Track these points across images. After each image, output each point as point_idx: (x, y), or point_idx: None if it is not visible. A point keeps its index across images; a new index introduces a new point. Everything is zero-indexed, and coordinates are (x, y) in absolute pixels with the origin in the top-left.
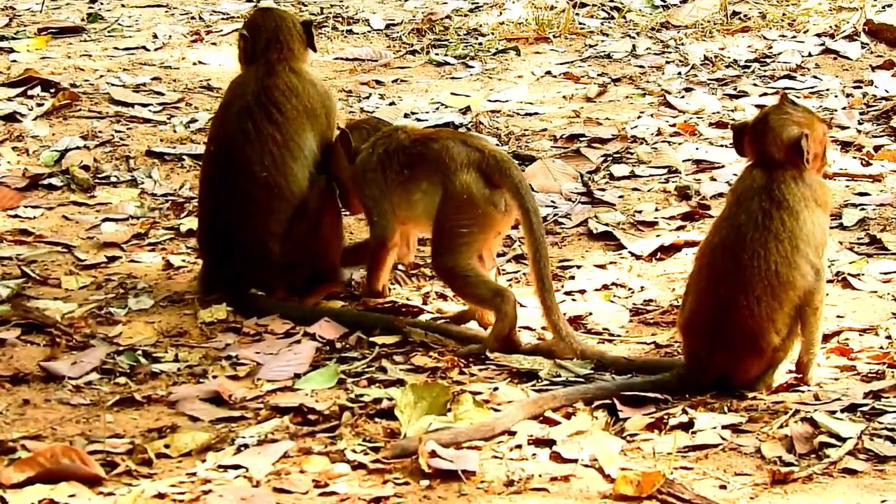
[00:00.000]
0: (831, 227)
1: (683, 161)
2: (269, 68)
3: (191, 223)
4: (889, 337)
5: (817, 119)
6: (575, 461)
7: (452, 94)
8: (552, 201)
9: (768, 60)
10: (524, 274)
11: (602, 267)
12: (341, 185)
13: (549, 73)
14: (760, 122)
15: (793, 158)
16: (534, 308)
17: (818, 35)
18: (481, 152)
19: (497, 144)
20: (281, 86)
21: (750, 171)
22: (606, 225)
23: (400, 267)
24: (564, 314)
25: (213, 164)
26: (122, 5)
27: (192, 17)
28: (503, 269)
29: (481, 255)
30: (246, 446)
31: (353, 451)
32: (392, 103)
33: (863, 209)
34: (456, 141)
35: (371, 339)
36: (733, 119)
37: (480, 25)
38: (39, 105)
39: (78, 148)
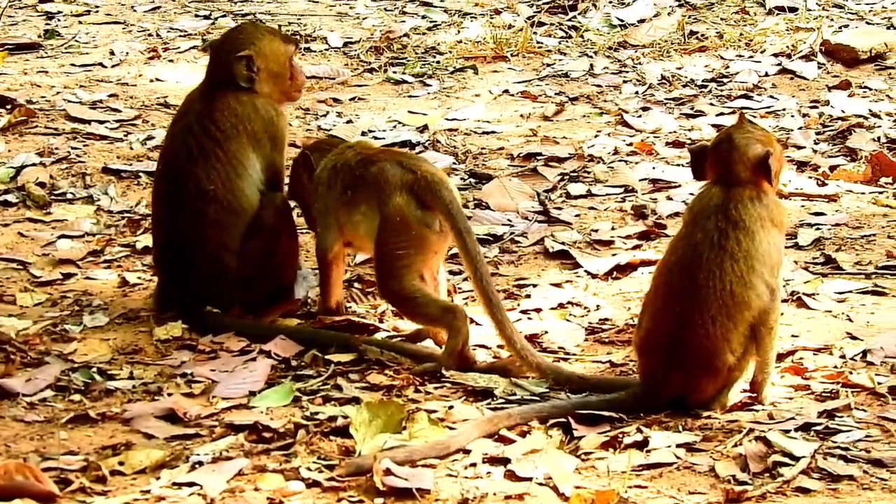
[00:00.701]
0: (787, 247)
1: (640, 180)
2: (214, 88)
3: (147, 240)
4: (843, 356)
5: (774, 138)
6: (529, 479)
7: (410, 112)
8: (508, 220)
9: (725, 80)
10: None
11: (558, 286)
12: (304, 205)
13: (506, 91)
14: (724, 142)
15: (758, 177)
16: (488, 326)
17: (775, 55)
18: (414, 173)
19: (454, 163)
20: (222, 106)
21: (708, 190)
22: (563, 244)
23: (356, 285)
24: (520, 332)
25: (162, 180)
26: (80, 22)
27: (150, 35)
28: (459, 288)
29: (422, 275)
30: (200, 464)
31: (308, 468)
32: (349, 121)
33: (818, 229)
34: (392, 163)
35: (327, 356)
36: (690, 139)
37: (438, 44)
38: None
39: (34, 164)
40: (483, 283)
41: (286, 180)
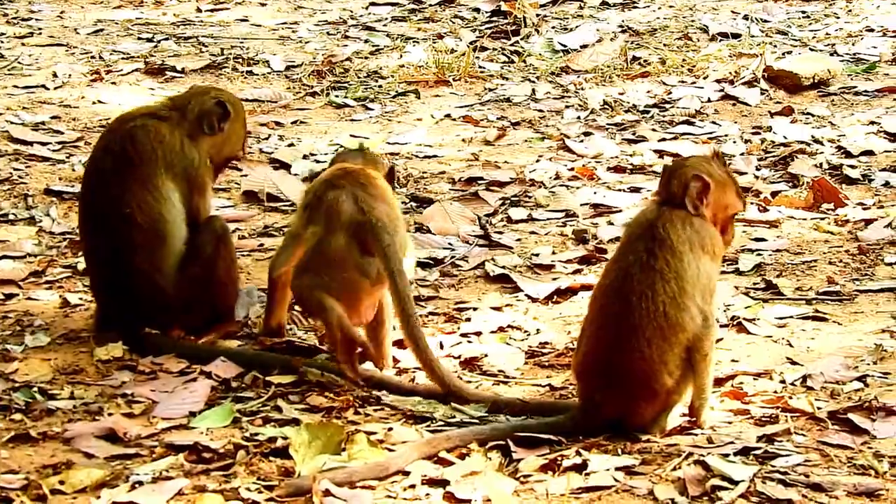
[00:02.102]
0: (727, 272)
1: (581, 205)
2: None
3: None
4: (783, 381)
5: (734, 185)
6: (468, 501)
7: (352, 136)
8: (449, 243)
9: (667, 106)
10: (420, 315)
11: (498, 309)
12: None
13: (448, 116)
14: (678, 161)
15: (684, 197)
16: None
17: (718, 81)
18: (364, 215)
19: (395, 187)
20: (142, 132)
21: (643, 212)
22: (503, 267)
23: (297, 308)
24: (460, 356)
25: (84, 202)
26: (23, 44)
27: (92, 57)
28: None
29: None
30: (140, 483)
31: (248, 489)
32: (291, 144)
33: (759, 254)
34: (349, 195)
35: (267, 378)
36: (631, 164)
37: (381, 68)
38: None
39: None
40: (410, 324)
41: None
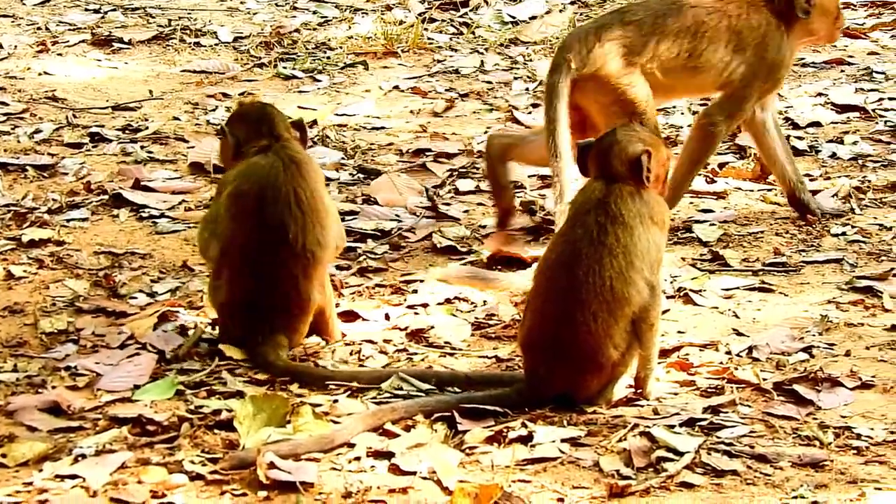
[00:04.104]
0: (678, 243)
1: (529, 177)
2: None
3: (33, 234)
4: (729, 352)
5: (662, 142)
6: (413, 473)
7: (300, 107)
8: (397, 215)
9: None
10: (367, 287)
11: (445, 281)
12: None
13: (396, 87)
14: (607, 137)
15: (633, 175)
16: (375, 322)
17: None
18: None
19: (343, 158)
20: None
21: (590, 186)
22: (450, 239)
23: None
24: (406, 328)
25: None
26: None
27: (39, 28)
28: (346, 283)
29: None
30: (84, 456)
31: (192, 461)
32: None
33: (712, 225)
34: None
35: (213, 350)
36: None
37: (329, 39)
38: None
39: None
40: None
41: None
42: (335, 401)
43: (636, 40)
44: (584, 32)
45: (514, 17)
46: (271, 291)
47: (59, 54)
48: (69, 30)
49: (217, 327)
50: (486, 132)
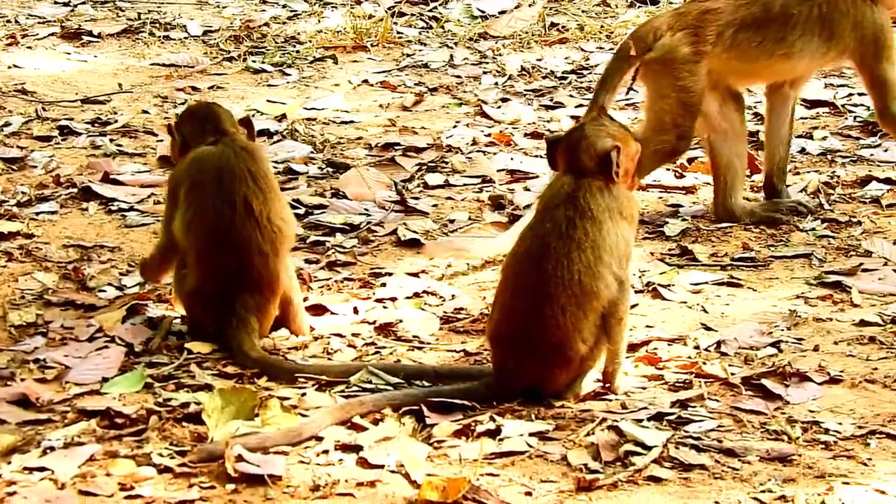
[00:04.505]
0: (647, 238)
1: (498, 171)
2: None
3: (1, 226)
4: (697, 347)
5: (632, 136)
6: (381, 467)
7: (269, 101)
8: (365, 209)
9: (585, 72)
10: (336, 281)
11: (414, 275)
12: None
13: (365, 81)
14: (576, 132)
15: (602, 170)
16: (344, 315)
17: None
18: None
19: (312, 152)
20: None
21: (559, 180)
22: (415, 232)
23: None
24: (375, 322)
25: None
26: None
27: (8, 21)
28: (315, 276)
29: None
30: (52, 449)
31: (160, 454)
32: None
33: (684, 220)
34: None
35: (182, 344)
36: (549, 130)
37: (298, 33)
38: None
39: None
40: None
41: None
42: (303, 394)
43: (710, 29)
44: (660, 19)
45: (483, 12)
46: (240, 268)
47: (29, 47)
48: (39, 23)
49: (186, 322)
50: (454, 126)
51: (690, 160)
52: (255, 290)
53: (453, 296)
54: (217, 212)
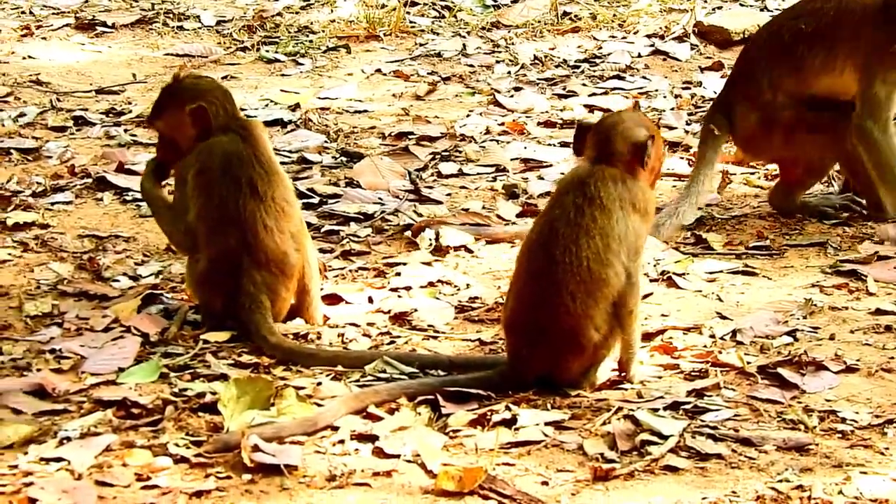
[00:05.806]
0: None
1: (511, 160)
2: None
3: (17, 217)
4: (713, 336)
5: (660, 133)
6: (397, 456)
7: (282, 91)
8: (379, 198)
9: (598, 61)
10: (350, 270)
11: (428, 264)
12: None
13: (379, 71)
14: (611, 117)
15: (634, 157)
16: (358, 305)
17: (648, 36)
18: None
19: (325, 142)
20: None
21: (576, 168)
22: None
23: None
24: (389, 311)
25: None
26: None
27: (23, 12)
28: (329, 266)
29: None
30: (69, 439)
31: (176, 444)
32: None
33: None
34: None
35: (198, 334)
36: (562, 119)
37: (311, 23)
38: None
39: None
40: None
41: None
42: (319, 383)
43: None
44: None
45: (495, 1)
46: (245, 243)
47: (44, 38)
48: (53, 14)
49: (199, 311)
50: (468, 115)
51: None
52: (262, 266)
53: (468, 285)
54: (223, 193)
